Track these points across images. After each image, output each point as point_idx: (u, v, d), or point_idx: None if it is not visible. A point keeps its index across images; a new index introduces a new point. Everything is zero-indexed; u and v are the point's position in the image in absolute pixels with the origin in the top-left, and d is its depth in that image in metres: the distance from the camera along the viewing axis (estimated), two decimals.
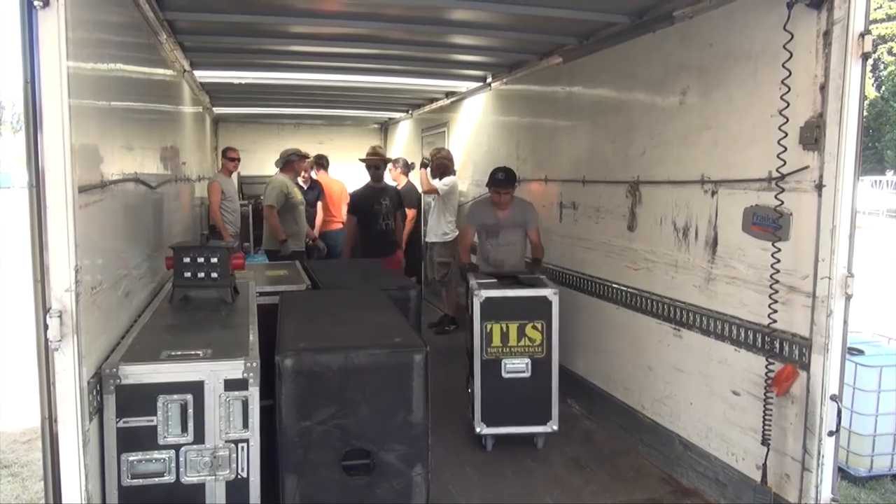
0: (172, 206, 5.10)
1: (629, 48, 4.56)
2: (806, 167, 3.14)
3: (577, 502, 3.92)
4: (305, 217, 7.30)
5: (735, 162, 3.62)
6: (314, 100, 9.18)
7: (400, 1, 4.44)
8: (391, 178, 8.11)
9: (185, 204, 6.26)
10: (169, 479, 2.56)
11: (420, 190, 7.90)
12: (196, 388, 2.57)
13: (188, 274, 3.60)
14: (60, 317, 2.25)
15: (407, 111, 10.38)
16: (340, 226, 8.37)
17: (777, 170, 3.24)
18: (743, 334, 3.57)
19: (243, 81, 7.26)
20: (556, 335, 4.38)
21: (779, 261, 3.24)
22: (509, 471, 4.24)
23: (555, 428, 4.43)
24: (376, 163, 7.17)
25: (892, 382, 4.33)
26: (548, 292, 4.41)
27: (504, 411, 4.41)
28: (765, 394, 3.34)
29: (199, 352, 2.69)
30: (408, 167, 8.35)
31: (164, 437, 2.55)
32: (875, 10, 31.81)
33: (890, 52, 34.90)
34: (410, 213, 7.92)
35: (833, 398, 3.02)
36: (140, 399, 2.53)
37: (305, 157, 7.54)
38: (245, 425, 2.62)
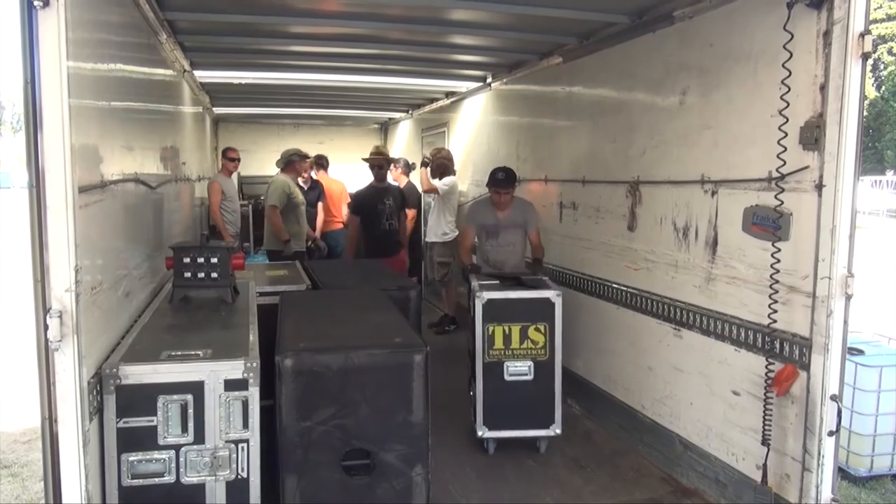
0: (172, 207, 5.10)
1: (629, 48, 4.56)
2: (806, 167, 3.14)
3: (578, 502, 3.92)
4: (306, 217, 7.30)
5: (735, 162, 3.62)
6: (314, 100, 9.18)
7: (400, 1, 4.44)
8: (392, 178, 8.11)
9: (185, 204, 6.26)
10: (169, 479, 2.56)
11: (420, 190, 7.89)
12: (196, 389, 2.57)
13: (188, 274, 3.60)
14: (60, 317, 2.25)
15: (407, 111, 10.38)
16: (341, 226, 8.38)
17: (777, 170, 3.24)
18: (743, 334, 3.57)
19: (243, 81, 7.26)
20: (559, 337, 4.33)
21: (779, 261, 3.24)
22: (509, 471, 4.24)
23: (558, 432, 4.39)
24: (379, 162, 7.13)
25: (892, 382, 4.33)
26: (550, 294, 4.37)
27: (506, 415, 4.36)
28: (765, 394, 3.34)
29: (199, 352, 2.69)
30: (408, 167, 8.35)
31: (165, 437, 2.55)
32: (875, 10, 31.81)
33: (890, 52, 34.90)
34: (410, 213, 7.92)
35: (833, 398, 3.02)
36: (140, 399, 2.53)
37: (306, 157, 7.54)
38: (245, 425, 2.62)
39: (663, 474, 4.19)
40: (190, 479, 2.58)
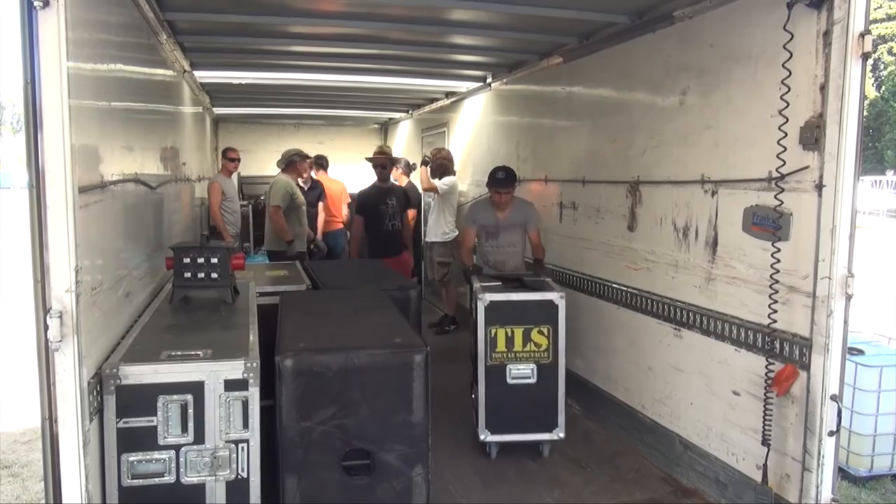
0: (172, 207, 5.10)
1: (629, 48, 4.56)
2: (806, 167, 3.14)
3: (578, 503, 3.92)
4: (306, 217, 7.30)
5: (735, 162, 3.62)
6: (314, 100, 9.18)
7: (400, 1, 4.43)
8: (392, 178, 8.11)
9: (186, 204, 6.26)
10: (169, 479, 2.56)
11: (420, 189, 7.90)
12: (196, 389, 2.57)
13: (188, 274, 3.60)
14: (61, 317, 2.25)
15: (407, 111, 10.38)
16: (341, 226, 8.39)
17: (777, 170, 3.24)
18: (743, 334, 3.57)
19: (243, 82, 7.26)
20: (563, 340, 4.28)
21: (779, 261, 3.24)
22: (510, 472, 4.23)
23: (561, 436, 4.33)
24: (382, 162, 7.10)
25: (893, 382, 4.32)
26: (554, 296, 4.31)
27: (509, 418, 4.30)
28: (765, 394, 3.34)
29: (199, 352, 2.69)
30: (409, 168, 8.35)
31: (165, 437, 2.55)
32: (875, 10, 31.82)
33: (890, 52, 34.91)
34: (411, 213, 7.92)
35: (833, 398, 3.02)
36: (140, 399, 2.53)
37: (307, 157, 7.54)
38: (245, 425, 2.62)
39: (663, 474, 4.19)
40: (190, 479, 2.58)
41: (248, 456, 2.62)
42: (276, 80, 7.37)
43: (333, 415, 2.80)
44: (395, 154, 8.34)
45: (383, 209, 6.89)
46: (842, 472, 4.25)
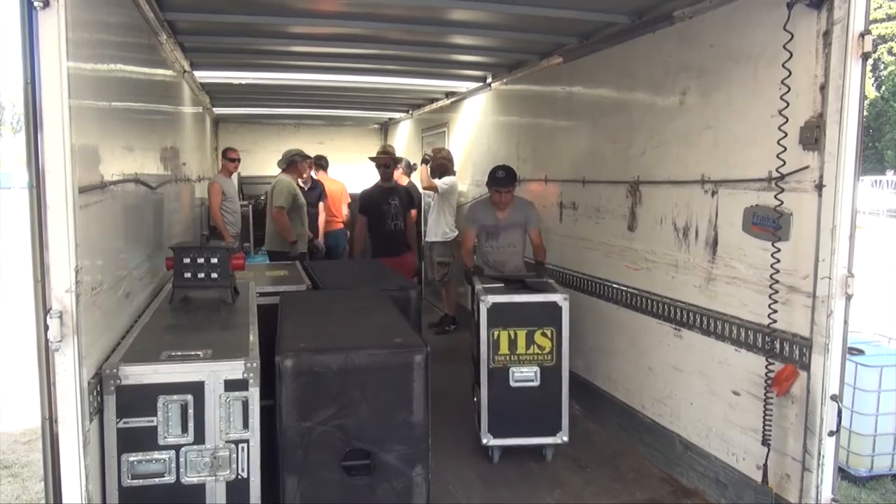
0: (172, 207, 5.10)
1: (629, 48, 4.56)
2: (806, 167, 3.14)
3: (578, 503, 3.92)
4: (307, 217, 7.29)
5: (735, 162, 3.62)
6: (314, 100, 9.19)
7: (400, 1, 4.44)
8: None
9: (186, 204, 6.26)
10: (169, 479, 2.56)
11: (420, 188, 7.90)
12: (196, 389, 2.57)
13: (188, 274, 3.59)
14: (61, 317, 2.25)
15: (407, 111, 10.38)
16: (341, 226, 8.39)
17: (777, 170, 3.24)
18: (743, 334, 3.57)
19: (243, 82, 7.26)
20: (566, 342, 4.23)
21: (779, 261, 3.24)
22: (510, 472, 4.23)
23: (565, 439, 4.28)
24: (386, 162, 7.08)
25: (893, 382, 4.32)
26: (557, 297, 4.25)
27: (512, 422, 4.25)
28: (765, 394, 3.34)
29: (199, 352, 2.69)
30: (410, 168, 8.35)
31: (165, 437, 2.55)
32: (875, 10, 31.82)
33: (890, 52, 34.91)
34: (411, 213, 7.92)
35: (833, 398, 3.02)
36: (140, 399, 2.53)
37: (308, 157, 7.54)
38: (245, 426, 2.62)
39: (663, 474, 4.19)
40: (190, 479, 2.58)
41: (248, 456, 2.62)
42: (276, 80, 7.37)
43: (333, 415, 2.80)
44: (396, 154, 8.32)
45: (386, 209, 6.88)
46: (842, 472, 4.25)
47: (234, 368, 2.61)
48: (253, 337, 2.95)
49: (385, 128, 12.42)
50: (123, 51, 3.43)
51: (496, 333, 4.22)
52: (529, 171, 6.13)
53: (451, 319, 7.54)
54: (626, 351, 4.68)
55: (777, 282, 3.25)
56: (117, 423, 2.51)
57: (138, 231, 3.66)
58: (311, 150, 8.46)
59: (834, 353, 3.01)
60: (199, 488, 2.59)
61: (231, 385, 2.60)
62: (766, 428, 3.34)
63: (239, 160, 8.01)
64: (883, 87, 35.19)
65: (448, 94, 8.27)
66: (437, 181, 7.35)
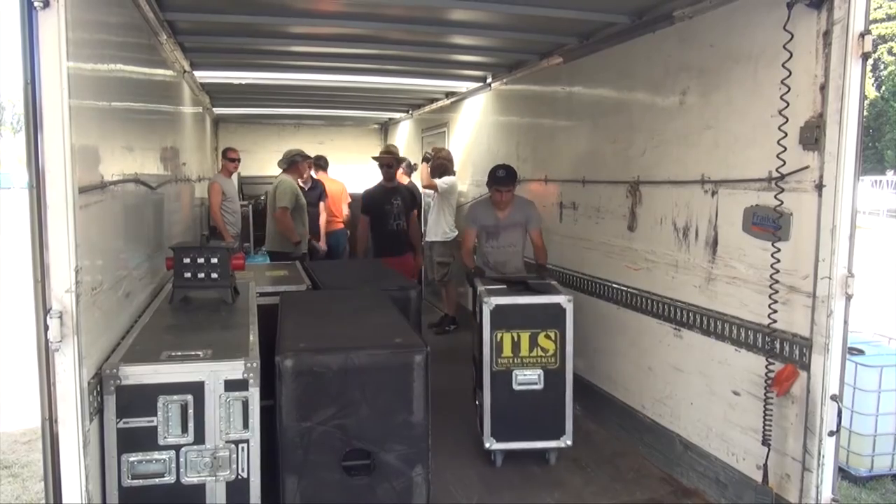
0: (172, 207, 5.10)
1: (629, 48, 4.56)
2: (806, 167, 3.14)
3: (578, 503, 3.92)
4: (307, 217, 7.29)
5: (735, 162, 3.62)
6: (314, 100, 9.19)
7: (400, 1, 4.44)
8: None
9: (186, 204, 6.26)
10: (169, 479, 2.56)
11: (420, 186, 7.90)
12: (196, 389, 2.57)
13: (188, 274, 3.59)
14: (61, 317, 2.25)
15: (407, 111, 10.38)
16: (342, 226, 8.39)
17: (777, 170, 3.24)
18: (743, 334, 3.57)
19: (243, 82, 7.27)
20: (570, 345, 4.17)
21: (779, 261, 3.24)
22: (510, 471, 4.23)
23: (568, 443, 4.23)
24: (389, 161, 7.07)
25: (893, 382, 4.32)
26: (562, 299, 4.18)
27: (515, 425, 4.20)
28: (765, 394, 3.34)
29: (199, 352, 2.69)
30: (410, 168, 8.35)
31: (165, 437, 2.55)
32: (875, 10, 31.82)
33: (890, 52, 34.91)
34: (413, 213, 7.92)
35: (833, 398, 3.02)
36: (140, 399, 2.53)
37: (308, 158, 7.55)
38: (245, 426, 2.62)
39: (663, 474, 4.19)
40: (190, 479, 2.58)
41: (248, 456, 2.62)
42: (276, 80, 7.37)
43: (333, 415, 2.80)
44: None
45: (388, 209, 6.87)
46: (842, 472, 4.25)
47: (234, 368, 2.61)
48: (253, 337, 2.95)
49: (385, 128, 12.42)
50: (123, 51, 3.43)
51: (499, 336, 4.16)
52: (529, 171, 6.13)
53: (451, 319, 7.54)
54: (626, 351, 4.68)
55: (777, 282, 3.25)
56: (117, 423, 2.51)
57: (138, 231, 3.66)
58: (311, 150, 8.46)
59: (834, 353, 3.01)
60: (199, 488, 2.59)
61: (231, 385, 2.60)
62: (767, 428, 3.34)
63: (239, 160, 8.01)
64: (883, 87, 35.20)
65: (448, 94, 8.27)
66: (436, 180, 7.35)
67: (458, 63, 6.55)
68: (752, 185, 3.48)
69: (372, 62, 6.39)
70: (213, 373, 2.59)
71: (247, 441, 2.62)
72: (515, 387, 4.18)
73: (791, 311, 3.23)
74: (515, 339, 4.16)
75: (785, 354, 3.27)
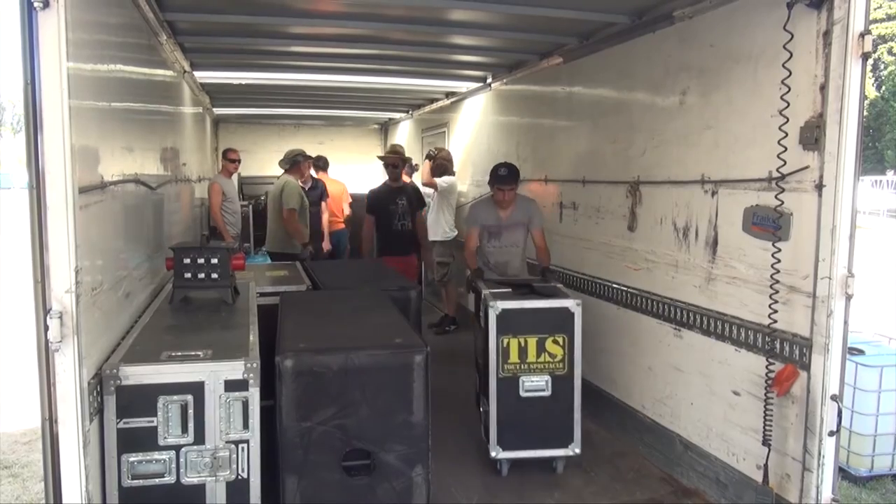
0: (173, 207, 5.10)
1: (629, 48, 4.56)
2: (806, 167, 3.14)
3: (578, 503, 3.92)
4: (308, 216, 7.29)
5: (735, 162, 3.62)
6: (314, 100, 9.19)
7: (400, 1, 4.44)
8: None
9: (186, 205, 6.27)
10: (169, 479, 2.56)
11: (421, 183, 7.90)
12: (196, 389, 2.57)
13: (188, 275, 3.59)
14: (61, 318, 2.25)
15: (407, 111, 10.39)
16: (342, 226, 8.39)
17: (777, 170, 3.23)
18: (743, 334, 3.56)
19: (243, 82, 7.27)
20: (579, 350, 4.05)
21: (779, 261, 3.24)
22: (510, 472, 4.23)
23: (577, 451, 4.10)
24: (394, 161, 7.04)
25: (893, 382, 4.32)
26: (570, 303, 4.06)
27: (522, 433, 4.07)
28: (765, 394, 3.34)
29: (199, 352, 2.69)
30: (411, 168, 8.35)
31: (165, 437, 2.55)
32: (875, 10, 31.82)
33: (890, 52, 34.91)
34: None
35: (833, 398, 3.02)
36: (140, 400, 2.53)
37: (309, 158, 7.54)
38: (245, 426, 2.62)
39: (664, 474, 4.19)
40: (190, 479, 2.58)
41: (248, 456, 2.62)
42: (276, 81, 7.38)
43: (333, 415, 2.80)
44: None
45: (393, 209, 6.86)
46: (842, 472, 4.25)
47: (235, 369, 2.61)
48: (253, 337, 2.95)
49: (385, 128, 12.42)
50: (123, 51, 3.43)
51: (506, 341, 4.02)
52: (529, 171, 6.12)
53: (452, 320, 7.54)
54: (626, 351, 4.68)
55: (777, 282, 3.25)
56: (117, 423, 2.51)
57: (138, 231, 3.66)
58: (312, 150, 8.46)
59: (834, 353, 3.01)
60: (200, 488, 2.59)
61: (231, 385, 2.60)
62: (767, 428, 3.34)
63: (239, 161, 8.02)
64: (883, 87, 35.19)
65: (448, 95, 8.28)
66: (436, 179, 7.36)
67: (458, 63, 6.55)
68: (752, 185, 3.48)
69: (372, 62, 6.39)
70: (213, 373, 2.59)
71: (247, 441, 2.62)
72: (522, 393, 4.05)
73: (791, 311, 3.23)
74: (522, 344, 4.03)
75: (785, 354, 3.27)
